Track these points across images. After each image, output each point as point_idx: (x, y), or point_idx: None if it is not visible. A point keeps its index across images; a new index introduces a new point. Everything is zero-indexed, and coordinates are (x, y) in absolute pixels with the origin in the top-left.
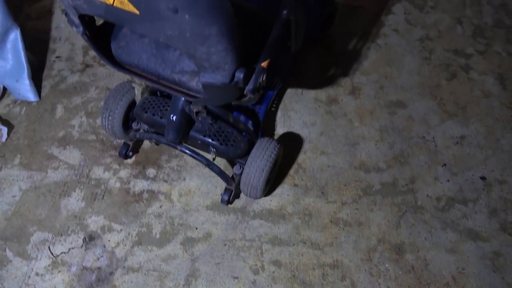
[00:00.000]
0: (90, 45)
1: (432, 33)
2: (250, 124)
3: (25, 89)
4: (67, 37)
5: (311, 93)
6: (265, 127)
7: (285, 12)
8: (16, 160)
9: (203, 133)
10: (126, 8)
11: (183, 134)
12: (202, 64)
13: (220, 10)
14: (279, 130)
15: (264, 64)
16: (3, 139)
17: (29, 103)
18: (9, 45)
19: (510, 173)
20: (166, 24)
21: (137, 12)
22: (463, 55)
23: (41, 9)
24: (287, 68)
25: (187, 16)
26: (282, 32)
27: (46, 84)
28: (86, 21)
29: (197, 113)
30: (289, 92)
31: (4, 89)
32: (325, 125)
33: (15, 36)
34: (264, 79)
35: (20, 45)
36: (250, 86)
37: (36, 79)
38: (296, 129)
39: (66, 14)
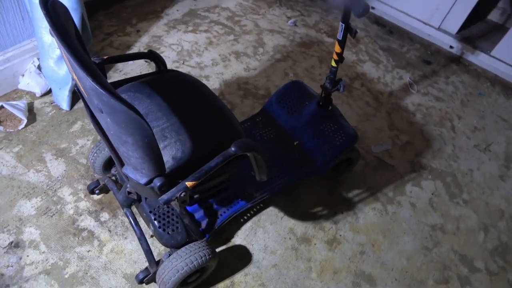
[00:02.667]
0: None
1: (448, 227)
2: (205, 222)
3: (62, 98)
4: (125, 72)
5: (290, 222)
6: (225, 231)
7: (233, 149)
8: (15, 149)
9: (151, 208)
10: (82, 90)
11: (132, 200)
12: (124, 159)
13: (135, 126)
14: (236, 240)
15: (189, 183)
16: (20, 128)
17: (59, 109)
18: None
19: None
20: (98, 115)
21: (85, 95)
22: (469, 265)
23: (124, 43)
24: (281, 186)
25: (108, 119)
26: (221, 164)
27: (82, 101)
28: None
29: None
30: (272, 210)
31: (50, 89)
32: (283, 260)
33: None
34: (183, 196)
35: None
36: (165, 197)
37: (76, 93)
38: (254, 248)
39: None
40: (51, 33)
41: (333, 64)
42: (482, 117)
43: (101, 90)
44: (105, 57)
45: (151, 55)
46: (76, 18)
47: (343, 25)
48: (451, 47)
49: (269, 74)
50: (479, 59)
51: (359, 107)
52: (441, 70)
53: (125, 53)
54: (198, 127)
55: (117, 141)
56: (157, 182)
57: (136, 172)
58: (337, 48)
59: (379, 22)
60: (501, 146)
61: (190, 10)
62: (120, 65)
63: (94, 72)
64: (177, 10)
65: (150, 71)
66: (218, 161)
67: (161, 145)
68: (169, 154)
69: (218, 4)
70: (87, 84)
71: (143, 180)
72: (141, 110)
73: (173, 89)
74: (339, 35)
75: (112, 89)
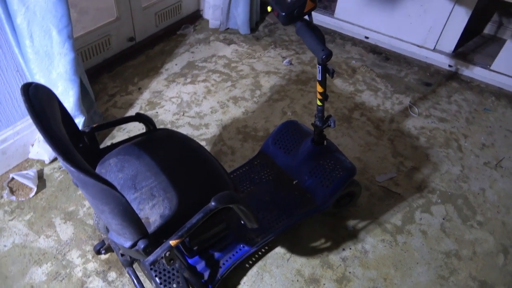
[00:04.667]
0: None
1: (464, 252)
2: (207, 273)
3: None
4: (129, 130)
5: (297, 263)
6: (230, 279)
7: (213, 203)
8: (27, 216)
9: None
10: None
11: (131, 260)
12: (107, 226)
13: (108, 196)
14: (243, 287)
15: (173, 242)
16: (30, 196)
17: (67, 173)
18: None
19: None
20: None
21: None
22: None
23: (127, 101)
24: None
25: (84, 190)
26: (203, 219)
27: None
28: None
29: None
30: (277, 252)
31: None
32: None
33: (78, 122)
34: (169, 255)
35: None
36: (150, 258)
37: None
38: None
39: None
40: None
41: (319, 103)
42: (490, 133)
43: (70, 168)
44: (93, 126)
45: (139, 118)
46: (74, 88)
47: (319, 67)
48: (449, 66)
49: (267, 115)
50: (480, 74)
51: (360, 137)
52: (442, 90)
53: (128, 111)
54: (185, 183)
55: (96, 210)
56: (141, 245)
57: (119, 236)
58: (319, 88)
59: (375, 50)
60: None
61: (188, 62)
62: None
63: (65, 150)
64: (176, 64)
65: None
66: (199, 217)
67: (149, 204)
68: (157, 213)
69: (215, 53)
70: (60, 162)
71: (127, 244)
72: (130, 171)
73: (162, 147)
74: (318, 76)
75: (81, 164)
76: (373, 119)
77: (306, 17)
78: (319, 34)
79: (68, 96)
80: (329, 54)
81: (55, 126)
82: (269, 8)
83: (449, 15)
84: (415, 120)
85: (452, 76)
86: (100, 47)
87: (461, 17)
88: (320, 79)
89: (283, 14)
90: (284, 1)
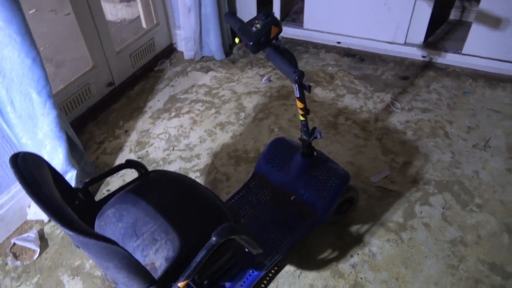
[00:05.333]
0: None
1: (469, 237)
2: None
3: None
4: (122, 174)
5: (308, 278)
6: None
7: (214, 238)
8: (34, 279)
9: None
10: None
11: None
12: (114, 280)
13: (110, 253)
14: None
15: (181, 284)
16: (35, 258)
17: None
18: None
19: None
20: None
21: None
22: (501, 272)
23: (116, 146)
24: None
25: (86, 251)
26: (207, 255)
27: None
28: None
29: None
30: (287, 270)
31: None
32: None
33: (71, 176)
34: None
35: (73, 183)
36: None
37: None
38: None
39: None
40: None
41: (301, 118)
42: (473, 115)
43: (69, 231)
44: (86, 181)
45: (129, 164)
46: (62, 144)
47: (296, 85)
48: (423, 56)
49: (255, 135)
50: (453, 59)
51: (348, 141)
52: (420, 82)
53: (118, 155)
54: (184, 222)
55: (101, 267)
56: None
57: None
58: (299, 104)
59: (349, 53)
60: (501, 139)
61: (170, 96)
62: None
63: (61, 215)
64: (158, 101)
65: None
66: (203, 254)
67: (153, 249)
68: (162, 257)
69: (195, 83)
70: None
71: None
72: (129, 219)
73: (156, 190)
74: (296, 93)
75: (79, 225)
76: (359, 122)
77: (275, 41)
78: (289, 56)
79: (57, 153)
80: (301, 75)
81: (47, 192)
82: (237, 40)
83: (413, 9)
84: (399, 115)
85: (427, 65)
86: (81, 97)
87: (424, 9)
88: (298, 96)
89: (251, 43)
90: (249, 31)
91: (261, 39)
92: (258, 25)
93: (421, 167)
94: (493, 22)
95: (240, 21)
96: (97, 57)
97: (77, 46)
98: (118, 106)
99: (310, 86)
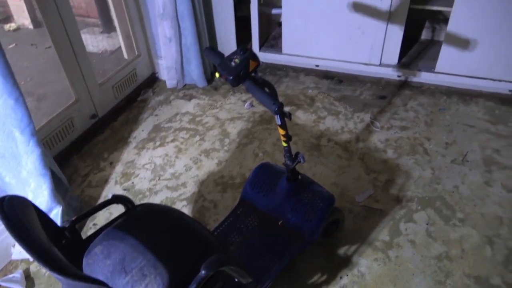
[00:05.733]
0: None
1: (453, 252)
2: None
3: None
4: (109, 207)
5: None
6: None
7: (203, 272)
8: None
9: None
10: None
11: None
12: None
13: None
14: None
15: None
16: None
17: None
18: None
19: None
20: None
21: None
22: (487, 285)
23: (101, 178)
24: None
25: None
26: None
27: None
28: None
29: None
30: None
31: None
32: None
33: (56, 213)
34: None
35: (59, 220)
36: None
37: None
38: None
39: None
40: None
41: (284, 144)
42: (450, 131)
43: (58, 276)
44: (73, 219)
45: (116, 199)
46: (47, 182)
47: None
48: (398, 76)
49: (240, 160)
50: (427, 78)
51: (332, 162)
52: (397, 100)
53: (104, 188)
54: (173, 255)
55: None
56: None
57: None
58: (281, 131)
59: (327, 75)
60: (477, 153)
61: (154, 126)
62: None
63: (48, 259)
64: (143, 130)
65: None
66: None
67: (142, 285)
68: None
69: (178, 111)
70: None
71: None
72: (117, 256)
73: (144, 224)
74: (278, 121)
75: (66, 268)
76: (340, 142)
77: (253, 74)
78: (268, 87)
79: (41, 190)
80: (280, 106)
81: (34, 235)
82: (217, 74)
83: (385, 31)
84: (379, 134)
85: (403, 84)
86: (64, 131)
87: (396, 31)
88: (280, 124)
89: (231, 78)
90: (229, 65)
91: (240, 73)
92: (237, 60)
93: (403, 184)
94: (461, 42)
95: (219, 56)
96: (80, 90)
97: (59, 79)
98: (102, 138)
99: (290, 114)
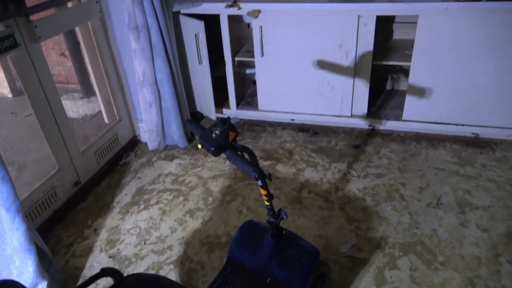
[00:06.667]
0: None
1: None
2: None
3: None
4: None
5: None
6: None
7: None
8: None
9: None
10: None
11: None
12: None
13: None
14: None
15: None
16: None
17: None
18: None
19: None
20: None
21: None
22: None
23: (85, 247)
24: None
25: None
26: None
27: None
28: None
29: None
30: None
31: None
32: None
33: None
34: None
35: None
36: None
37: None
38: None
39: None
40: None
41: (266, 203)
42: (422, 175)
43: None
44: None
45: (104, 273)
46: (32, 257)
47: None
48: (369, 125)
49: (225, 218)
50: (396, 126)
51: (314, 214)
52: (370, 149)
53: (88, 257)
54: None
55: None
56: None
57: None
58: (263, 191)
59: (303, 128)
60: (450, 195)
61: (137, 189)
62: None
63: None
64: (126, 194)
65: None
66: None
67: None
68: None
69: (161, 173)
70: None
71: None
72: None
73: None
74: (259, 183)
75: None
76: (321, 193)
77: (234, 143)
78: (248, 153)
79: (27, 266)
80: (260, 173)
81: None
82: (199, 146)
83: (353, 85)
84: (356, 182)
85: (374, 133)
86: (47, 201)
87: (363, 85)
88: (261, 185)
89: (212, 149)
90: (210, 137)
91: (221, 144)
92: (217, 132)
93: (384, 231)
94: (422, 92)
95: (201, 128)
96: (62, 158)
97: (40, 147)
98: (85, 205)
99: (270, 175)
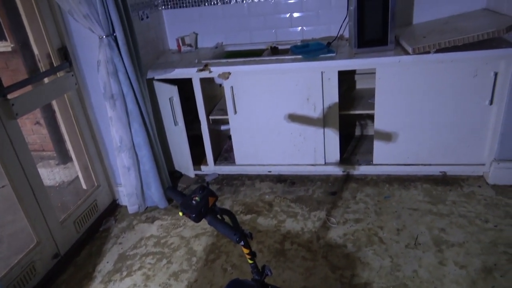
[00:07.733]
0: None
1: None
2: None
3: None
4: None
5: None
6: None
7: None
8: None
9: None
10: None
11: None
12: None
13: None
14: None
15: None
16: None
17: None
18: None
19: None
20: None
21: None
22: None
23: None
24: None
25: None
26: None
27: None
28: None
29: None
30: None
31: None
32: None
33: None
34: None
35: None
36: None
37: None
38: None
39: None
40: None
41: (250, 261)
42: (398, 216)
43: None
44: None
45: None
46: None
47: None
48: (343, 171)
49: (210, 278)
50: (368, 170)
51: (298, 265)
52: (346, 194)
53: None
54: None
55: None
56: None
57: None
58: (245, 250)
59: (280, 179)
60: (426, 235)
61: (119, 255)
62: None
63: None
64: (108, 262)
65: None
66: None
67: None
68: None
69: (142, 236)
70: None
71: None
72: None
73: None
74: (241, 243)
75: None
76: (303, 243)
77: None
78: (229, 216)
79: None
80: (241, 236)
81: None
82: (180, 213)
83: (324, 135)
84: (336, 229)
85: (349, 178)
86: (26, 277)
87: (333, 134)
88: (243, 244)
89: (193, 215)
90: (190, 204)
91: (201, 210)
92: (197, 198)
93: (367, 277)
94: (388, 136)
95: (181, 195)
96: (40, 231)
97: (16, 219)
98: (65, 277)
99: (251, 234)
